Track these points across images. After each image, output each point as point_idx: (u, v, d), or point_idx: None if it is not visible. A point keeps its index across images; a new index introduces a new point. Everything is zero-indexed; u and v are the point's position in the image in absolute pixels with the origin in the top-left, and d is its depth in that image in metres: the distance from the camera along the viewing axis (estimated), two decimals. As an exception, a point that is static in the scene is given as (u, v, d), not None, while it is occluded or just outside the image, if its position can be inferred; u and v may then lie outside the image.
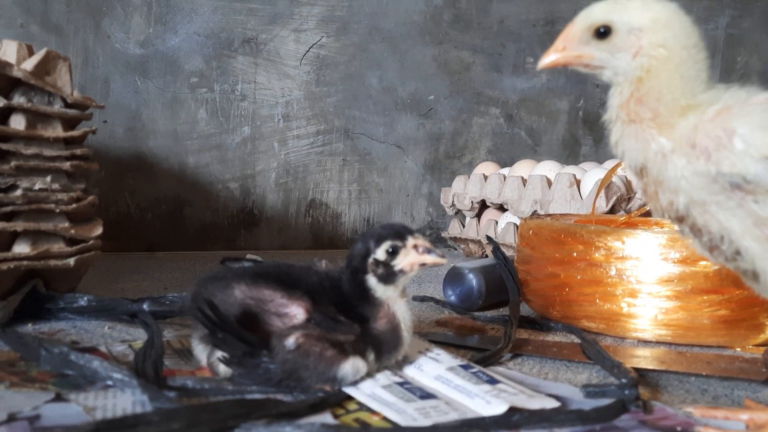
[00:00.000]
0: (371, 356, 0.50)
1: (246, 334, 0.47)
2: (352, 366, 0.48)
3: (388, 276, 0.50)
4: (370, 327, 0.50)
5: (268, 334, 0.48)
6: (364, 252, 0.51)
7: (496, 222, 1.23)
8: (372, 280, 0.50)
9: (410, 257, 0.50)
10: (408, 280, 0.52)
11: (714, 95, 0.43)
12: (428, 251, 0.50)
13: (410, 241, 0.50)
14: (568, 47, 0.44)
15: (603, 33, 0.43)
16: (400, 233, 0.50)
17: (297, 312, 0.49)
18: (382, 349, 0.50)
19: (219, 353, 0.48)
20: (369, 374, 0.50)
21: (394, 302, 0.51)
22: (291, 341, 0.47)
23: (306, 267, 0.54)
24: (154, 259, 1.22)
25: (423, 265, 0.50)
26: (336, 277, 0.52)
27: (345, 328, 0.49)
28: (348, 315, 0.50)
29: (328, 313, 0.49)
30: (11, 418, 0.42)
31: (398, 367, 0.53)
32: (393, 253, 0.50)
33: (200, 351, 0.51)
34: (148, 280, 0.98)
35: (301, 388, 0.48)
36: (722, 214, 0.40)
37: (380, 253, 0.50)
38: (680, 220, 0.43)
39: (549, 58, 0.45)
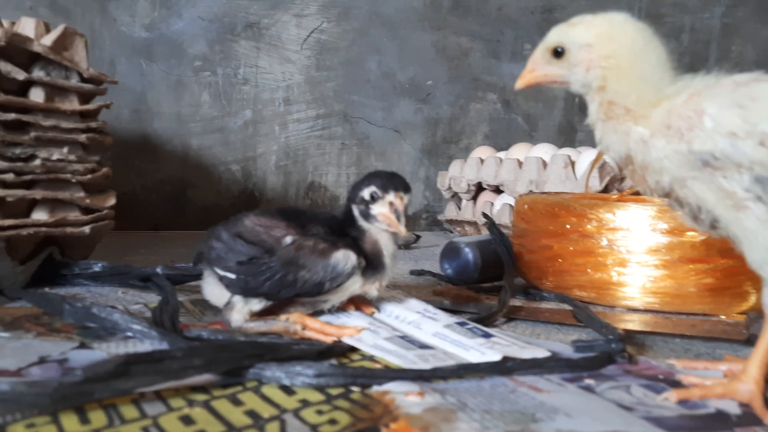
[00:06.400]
0: (362, 259, 0.55)
1: (247, 246, 0.53)
2: (343, 254, 0.53)
3: (366, 215, 0.55)
4: (359, 242, 0.55)
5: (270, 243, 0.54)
6: (359, 186, 0.56)
7: (492, 204, 1.26)
8: (355, 211, 0.56)
9: (382, 209, 0.55)
10: (385, 227, 0.56)
11: (682, 85, 0.46)
12: (398, 216, 0.54)
13: (389, 196, 0.54)
14: (536, 68, 0.50)
15: (559, 53, 0.48)
16: (385, 185, 0.55)
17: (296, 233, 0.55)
18: (369, 264, 0.55)
19: (223, 269, 0.53)
20: (363, 291, 0.56)
21: (377, 233, 0.56)
22: (288, 239, 0.53)
23: (307, 210, 0.60)
24: (160, 237, 1.25)
25: (388, 223, 0.54)
26: (338, 216, 0.58)
27: (336, 238, 0.54)
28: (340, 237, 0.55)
29: (321, 231, 0.55)
30: (42, 360, 0.46)
31: (397, 323, 0.57)
32: (373, 198, 0.55)
33: (213, 295, 0.55)
34: (155, 255, 1.01)
35: (300, 282, 0.53)
36: (697, 187, 0.44)
37: (366, 193, 0.55)
38: (667, 195, 0.48)
39: (522, 80, 0.51)
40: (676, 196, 0.46)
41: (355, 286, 0.55)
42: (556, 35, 0.48)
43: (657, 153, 0.45)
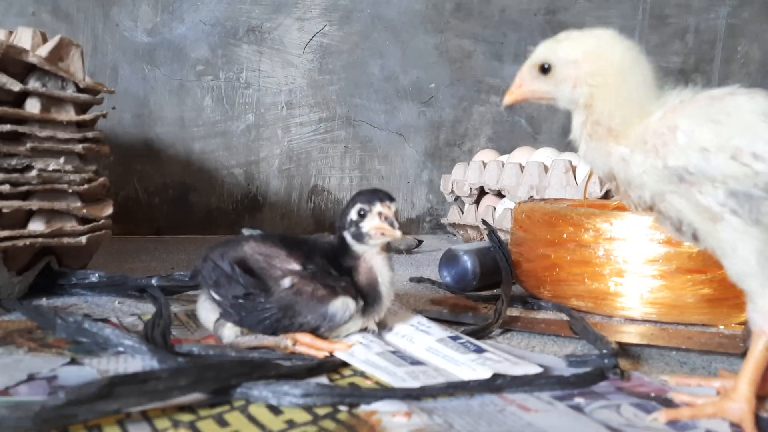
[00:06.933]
0: (360, 302, 0.54)
1: (246, 278, 0.52)
2: (342, 303, 0.53)
3: (359, 236, 0.55)
4: (355, 279, 0.55)
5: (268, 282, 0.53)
6: (345, 211, 0.55)
7: (494, 208, 1.26)
8: (348, 236, 0.55)
9: (373, 222, 0.54)
10: (381, 241, 0.55)
11: (664, 101, 0.46)
12: (390, 222, 0.54)
13: (376, 208, 0.54)
14: (524, 84, 0.50)
15: (546, 69, 0.48)
16: (370, 199, 0.54)
17: (296, 267, 0.54)
18: (367, 300, 0.54)
19: (219, 296, 0.53)
20: (360, 330, 0.56)
21: (371, 257, 0.56)
22: (287, 281, 0.52)
23: (308, 237, 0.59)
24: (162, 242, 1.25)
25: (383, 233, 0.54)
26: (334, 243, 0.57)
27: (335, 278, 0.54)
28: (338, 270, 0.55)
29: (320, 265, 0.54)
30: (31, 378, 0.46)
31: (390, 337, 0.57)
32: (362, 216, 0.54)
33: (206, 318, 0.55)
34: (156, 261, 1.01)
35: (296, 326, 0.52)
36: (676, 200, 0.45)
37: (353, 214, 0.55)
38: (650, 209, 0.48)
39: (510, 96, 0.51)
40: (658, 209, 0.47)
41: (354, 328, 0.55)
42: (543, 51, 0.48)
43: (636, 169, 0.45)
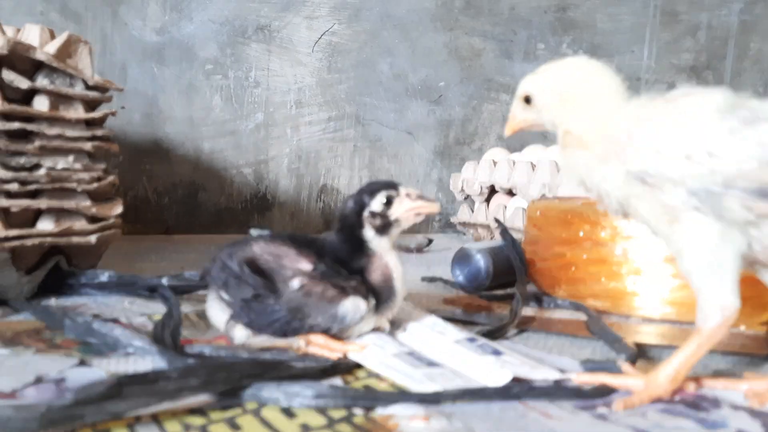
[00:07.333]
0: (372, 301, 0.53)
1: (254, 278, 0.51)
2: (352, 303, 0.51)
3: (384, 227, 0.53)
4: (366, 278, 0.53)
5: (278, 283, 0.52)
6: (358, 208, 0.54)
7: (505, 207, 1.25)
8: (369, 233, 0.54)
9: (405, 204, 0.53)
10: (399, 232, 0.55)
11: (623, 109, 0.49)
12: (420, 197, 0.53)
13: (402, 189, 0.53)
14: (516, 116, 0.55)
15: (528, 100, 0.53)
16: (391, 184, 0.54)
17: (307, 267, 0.52)
18: (380, 298, 0.53)
19: (228, 298, 0.51)
20: (374, 329, 0.54)
21: (385, 253, 0.54)
22: (296, 282, 0.51)
23: (318, 236, 0.57)
24: (171, 241, 1.24)
25: (418, 214, 0.53)
26: (336, 244, 0.56)
27: (345, 277, 0.52)
28: (348, 270, 0.53)
29: (331, 265, 0.53)
30: (38, 380, 0.45)
31: (404, 338, 0.56)
32: (388, 203, 0.53)
33: (217, 318, 0.53)
34: (166, 261, 1.00)
35: (307, 327, 0.51)
36: (639, 205, 0.47)
37: (376, 205, 0.53)
38: (625, 215, 0.50)
39: (509, 128, 0.55)
40: (629, 214, 0.49)
41: (366, 327, 0.54)
42: (523, 85, 0.53)
43: (599, 175, 0.48)
